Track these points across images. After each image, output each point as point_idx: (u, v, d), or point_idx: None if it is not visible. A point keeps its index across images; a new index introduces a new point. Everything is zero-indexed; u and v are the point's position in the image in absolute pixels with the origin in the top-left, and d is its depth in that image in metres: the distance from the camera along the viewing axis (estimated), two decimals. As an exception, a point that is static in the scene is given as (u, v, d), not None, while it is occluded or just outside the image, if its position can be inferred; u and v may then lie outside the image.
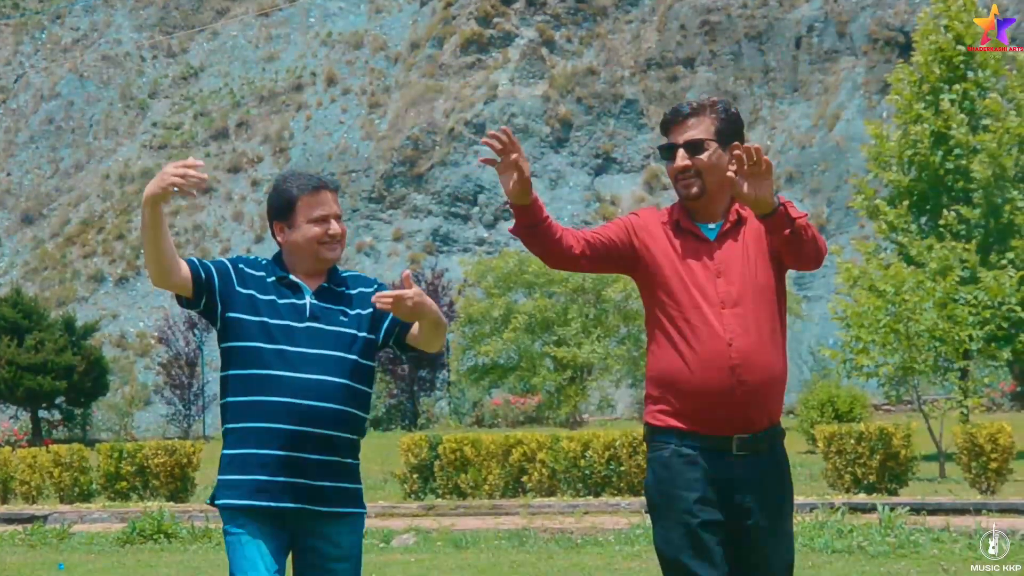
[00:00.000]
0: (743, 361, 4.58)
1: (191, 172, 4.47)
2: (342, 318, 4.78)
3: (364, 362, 4.80)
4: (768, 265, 4.73)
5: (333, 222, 4.78)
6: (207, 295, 4.72)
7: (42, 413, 37.97)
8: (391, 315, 4.82)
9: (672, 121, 4.80)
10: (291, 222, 4.79)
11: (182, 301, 4.79)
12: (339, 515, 4.74)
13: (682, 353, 4.63)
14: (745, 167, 4.44)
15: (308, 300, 4.76)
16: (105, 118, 66.11)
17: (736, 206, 4.77)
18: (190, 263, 4.71)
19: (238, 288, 4.74)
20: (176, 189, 4.45)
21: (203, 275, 4.70)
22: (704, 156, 4.70)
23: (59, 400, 37.71)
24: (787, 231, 4.54)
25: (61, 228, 61.10)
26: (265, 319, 4.70)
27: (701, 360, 4.59)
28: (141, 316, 54.79)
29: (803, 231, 4.56)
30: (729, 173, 4.47)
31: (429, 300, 4.70)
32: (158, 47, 69.31)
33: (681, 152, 4.73)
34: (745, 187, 4.48)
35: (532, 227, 4.60)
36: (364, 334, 4.80)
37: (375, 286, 4.93)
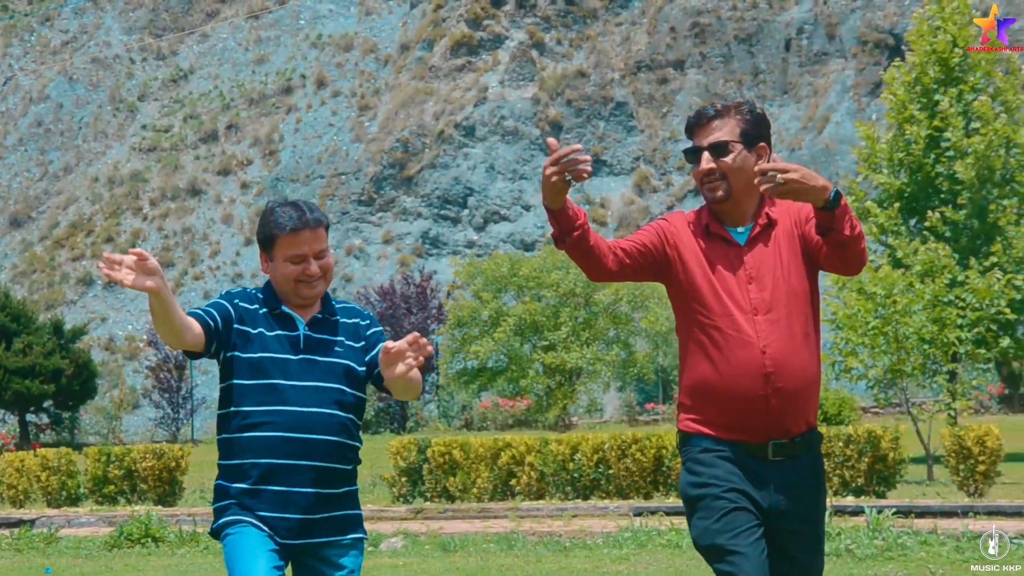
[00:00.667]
0: (777, 368, 4.52)
1: (130, 265, 4.31)
2: (337, 349, 4.74)
3: (359, 394, 4.77)
4: (801, 268, 4.65)
5: (312, 262, 4.69)
6: (217, 342, 4.69)
7: (30, 417, 37.90)
8: (371, 356, 4.79)
9: (696, 124, 4.72)
10: (272, 256, 4.75)
11: (190, 355, 4.76)
12: (340, 542, 4.72)
13: (715, 362, 4.57)
14: (770, 184, 4.36)
15: (301, 332, 4.72)
16: (94, 120, 66.01)
17: (766, 208, 4.69)
18: (198, 318, 4.64)
19: (236, 326, 4.71)
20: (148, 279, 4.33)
21: (212, 325, 4.66)
22: (729, 159, 4.62)
23: (47, 404, 37.65)
24: (829, 233, 4.48)
25: (50, 231, 60.99)
26: (258, 354, 4.67)
27: (735, 368, 4.53)
28: (130, 319, 54.72)
29: (852, 242, 4.50)
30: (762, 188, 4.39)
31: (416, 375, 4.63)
32: (147, 49, 69.22)
33: (706, 155, 4.65)
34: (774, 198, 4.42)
35: (565, 236, 4.50)
36: (358, 366, 4.76)
37: (369, 320, 4.89)
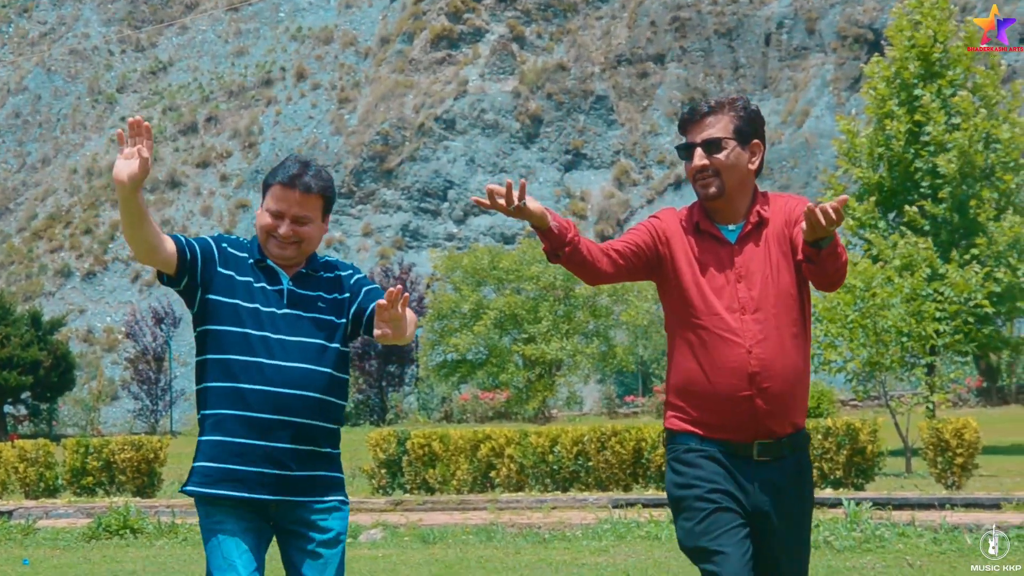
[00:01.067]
0: (763, 368, 4.49)
1: (132, 153, 4.31)
2: (320, 304, 4.68)
3: (343, 349, 4.71)
4: (791, 268, 4.61)
5: (286, 222, 4.63)
6: (189, 275, 4.61)
7: (8, 408, 37.78)
8: (359, 302, 4.73)
9: (690, 120, 4.68)
10: (262, 204, 4.73)
11: (163, 278, 4.67)
12: (322, 503, 4.64)
13: (701, 360, 4.54)
14: (822, 224, 4.26)
15: (285, 286, 4.66)
16: (73, 112, 65.73)
17: (758, 207, 4.66)
18: (176, 240, 4.58)
19: (219, 269, 4.63)
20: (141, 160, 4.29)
21: (188, 255, 4.59)
22: (722, 155, 4.59)
23: (25, 395, 37.53)
24: (814, 263, 4.44)
25: (28, 222, 60.73)
26: (243, 303, 4.60)
27: (720, 367, 4.50)
28: (108, 311, 54.53)
29: (832, 272, 4.47)
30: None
31: (403, 328, 4.52)
32: (126, 41, 68.94)
33: (699, 151, 4.61)
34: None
35: (555, 253, 4.51)
36: (342, 320, 4.71)
37: (351, 269, 4.84)
